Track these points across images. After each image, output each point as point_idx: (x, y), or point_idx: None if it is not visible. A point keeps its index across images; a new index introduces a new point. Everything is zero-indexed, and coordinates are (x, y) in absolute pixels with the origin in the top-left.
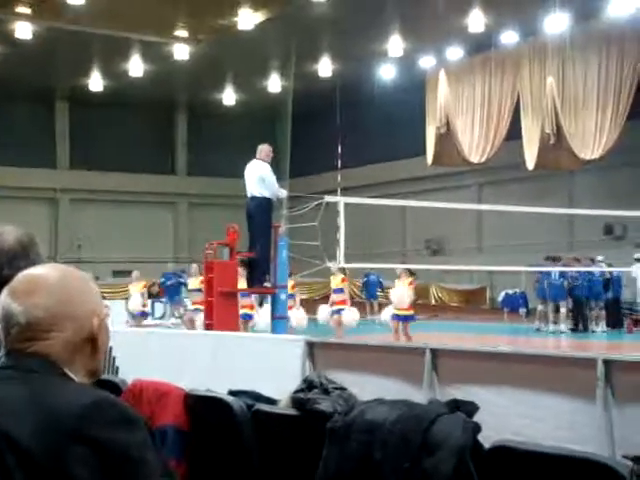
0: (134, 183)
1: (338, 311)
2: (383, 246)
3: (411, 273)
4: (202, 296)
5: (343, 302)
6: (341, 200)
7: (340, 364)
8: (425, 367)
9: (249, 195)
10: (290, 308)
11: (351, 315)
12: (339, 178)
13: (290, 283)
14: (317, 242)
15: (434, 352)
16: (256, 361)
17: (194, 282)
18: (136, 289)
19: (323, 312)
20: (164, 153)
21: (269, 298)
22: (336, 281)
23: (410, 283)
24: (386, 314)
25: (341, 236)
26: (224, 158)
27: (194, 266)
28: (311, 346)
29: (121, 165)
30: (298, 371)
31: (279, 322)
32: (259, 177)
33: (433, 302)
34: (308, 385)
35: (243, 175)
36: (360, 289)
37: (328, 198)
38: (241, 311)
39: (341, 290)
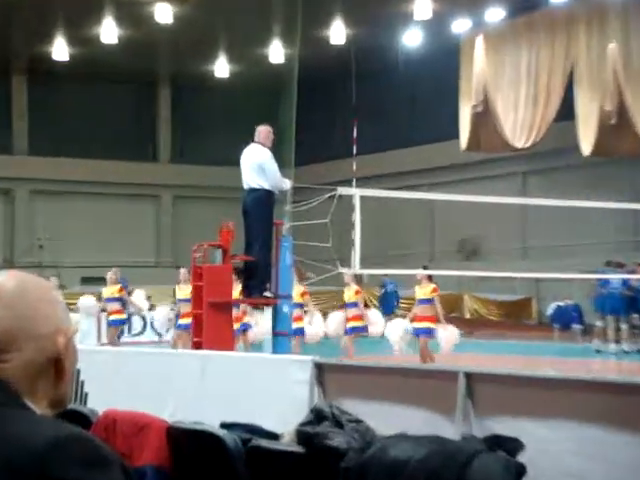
0: (107, 172)
1: (352, 330)
2: (407, 247)
3: (430, 279)
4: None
5: (357, 318)
6: (357, 192)
7: (356, 391)
8: (458, 395)
9: (246, 187)
10: (298, 319)
11: (375, 326)
12: (354, 166)
13: (299, 289)
14: (328, 243)
15: (469, 377)
16: (254, 387)
17: (184, 290)
18: (110, 292)
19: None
20: (143, 136)
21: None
22: (349, 293)
23: (434, 290)
24: (394, 331)
25: (356, 236)
26: (216, 142)
27: (183, 271)
28: (320, 369)
29: (91, 150)
30: (305, 399)
31: (281, 339)
32: (258, 165)
33: (467, 316)
34: (317, 416)
35: (238, 162)
36: (378, 299)
37: (341, 190)
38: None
39: (355, 304)
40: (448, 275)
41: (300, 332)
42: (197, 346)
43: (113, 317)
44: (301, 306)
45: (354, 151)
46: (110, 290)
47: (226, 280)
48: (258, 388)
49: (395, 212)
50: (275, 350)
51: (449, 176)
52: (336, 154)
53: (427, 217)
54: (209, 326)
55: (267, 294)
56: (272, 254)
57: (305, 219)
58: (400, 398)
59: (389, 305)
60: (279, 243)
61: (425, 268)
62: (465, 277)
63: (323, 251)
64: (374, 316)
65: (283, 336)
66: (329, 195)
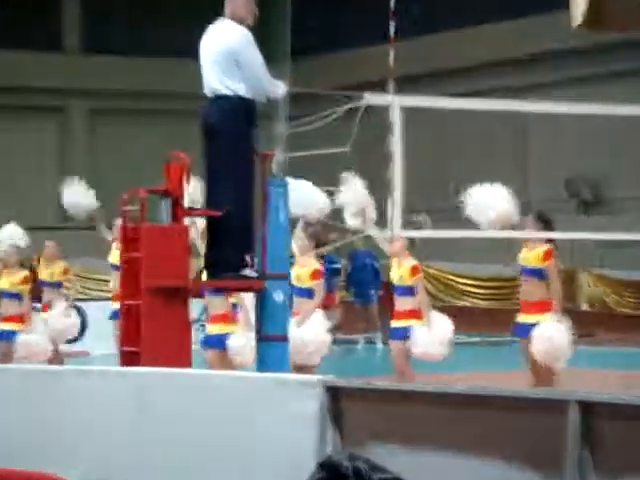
0: None
1: (403, 333)
2: None
3: (547, 224)
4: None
5: (413, 314)
6: (396, 101)
7: (393, 431)
8: (569, 437)
9: (208, 92)
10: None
11: (428, 336)
12: (392, 58)
13: (310, 265)
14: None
15: (586, 408)
16: (226, 427)
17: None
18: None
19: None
20: (36, 11)
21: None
22: (402, 271)
23: (547, 254)
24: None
25: (396, 175)
26: (155, 19)
27: (118, 224)
28: (335, 395)
29: None
30: (310, 445)
31: (272, 347)
32: (229, 54)
33: (584, 306)
34: (330, 474)
35: (195, 53)
36: (343, 283)
37: (370, 98)
38: (210, 329)
39: (410, 291)
40: (552, 239)
41: None
42: (130, 360)
43: (7, 326)
44: (309, 293)
45: (391, 32)
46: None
47: (179, 249)
48: (233, 429)
49: (462, 134)
50: (262, 365)
51: (551, 73)
52: (361, 39)
53: (516, 142)
54: (151, 326)
55: (247, 273)
56: (255, 207)
57: (311, 147)
58: (467, 443)
59: (364, 289)
60: (267, 187)
61: (540, 217)
62: (581, 243)
63: None
64: (440, 322)
65: (276, 342)
66: (350, 106)
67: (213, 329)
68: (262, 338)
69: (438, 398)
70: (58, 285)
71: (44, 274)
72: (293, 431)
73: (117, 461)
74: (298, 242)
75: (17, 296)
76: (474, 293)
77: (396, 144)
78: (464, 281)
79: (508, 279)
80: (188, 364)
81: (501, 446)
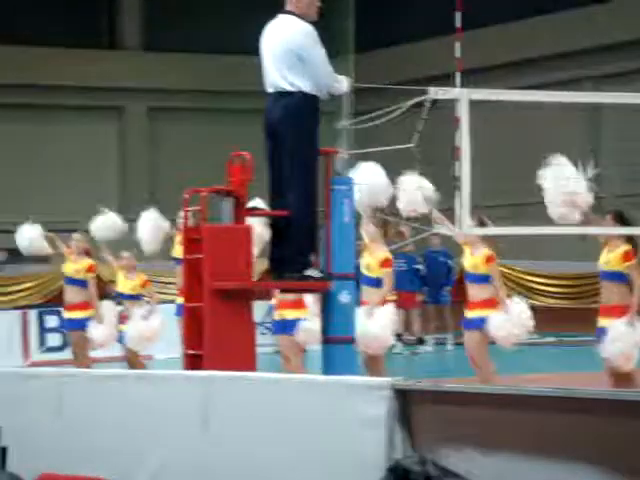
0: (38, 69)
1: (479, 323)
2: None
3: (626, 223)
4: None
5: (488, 303)
6: (464, 95)
7: (465, 434)
8: None
9: (271, 89)
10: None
11: (506, 319)
12: (458, 50)
13: (378, 254)
14: None
15: None
16: (294, 430)
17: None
18: (73, 269)
19: None
20: (99, 11)
21: None
22: (475, 260)
23: (628, 254)
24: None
25: (464, 170)
26: (215, 15)
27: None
28: (405, 397)
29: (11, 32)
30: (378, 451)
31: (338, 349)
32: (291, 51)
33: None
34: (400, 478)
35: (256, 49)
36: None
37: (436, 92)
38: (278, 314)
39: (484, 278)
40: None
41: None
42: (193, 364)
43: (74, 314)
44: (378, 283)
45: (458, 23)
46: (73, 266)
47: (242, 250)
48: (300, 433)
49: (532, 128)
50: (328, 367)
51: (624, 63)
52: (426, 30)
53: (589, 136)
54: (214, 329)
55: (311, 273)
56: (319, 207)
57: (375, 143)
58: (543, 447)
59: (437, 291)
60: (331, 186)
61: (618, 217)
62: None
63: None
64: (517, 307)
65: (341, 344)
66: (415, 101)
67: (284, 314)
68: (328, 340)
69: (512, 400)
70: (138, 298)
71: (126, 286)
72: (361, 435)
73: (182, 467)
74: (366, 229)
75: (80, 282)
76: (549, 292)
77: (464, 139)
78: (537, 279)
79: (586, 276)
80: (253, 367)
81: (580, 450)
